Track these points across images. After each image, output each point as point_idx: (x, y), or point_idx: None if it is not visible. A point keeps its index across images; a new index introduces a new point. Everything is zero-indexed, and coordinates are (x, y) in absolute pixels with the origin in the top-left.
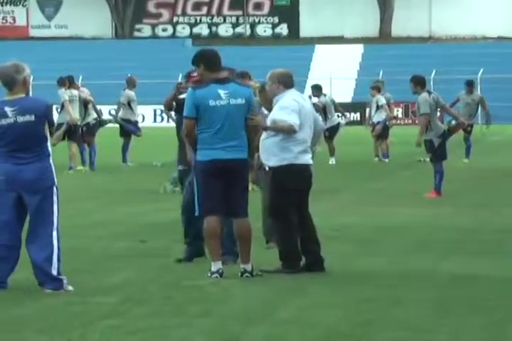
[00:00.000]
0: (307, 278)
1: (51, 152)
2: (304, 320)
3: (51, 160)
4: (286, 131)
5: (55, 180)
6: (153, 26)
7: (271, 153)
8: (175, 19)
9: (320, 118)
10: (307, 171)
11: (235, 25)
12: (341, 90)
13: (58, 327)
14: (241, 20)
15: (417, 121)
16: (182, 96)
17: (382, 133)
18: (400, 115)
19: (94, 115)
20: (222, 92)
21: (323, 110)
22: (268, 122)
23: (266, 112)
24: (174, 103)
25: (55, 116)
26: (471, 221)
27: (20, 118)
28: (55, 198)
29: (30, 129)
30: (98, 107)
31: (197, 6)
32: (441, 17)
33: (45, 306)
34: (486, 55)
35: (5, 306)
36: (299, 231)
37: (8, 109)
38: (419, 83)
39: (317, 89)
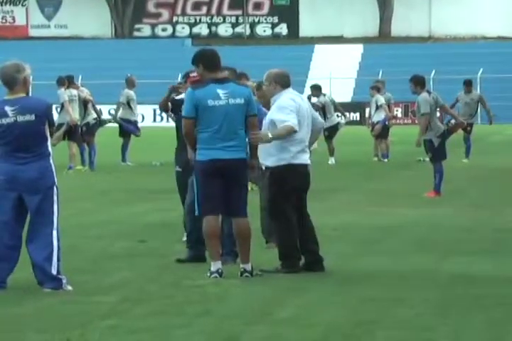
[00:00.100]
0: (307, 277)
1: (51, 152)
2: (303, 320)
3: (51, 160)
4: (289, 134)
5: (56, 179)
6: (153, 26)
7: (268, 153)
8: (174, 19)
9: (319, 116)
10: (305, 171)
11: (234, 25)
12: (341, 90)
13: (58, 327)
14: (240, 20)
15: (416, 121)
16: (179, 97)
17: (381, 133)
18: (399, 115)
19: (94, 115)
20: (221, 92)
21: (322, 110)
22: (266, 122)
23: (265, 110)
24: (170, 104)
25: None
26: (471, 221)
27: (21, 118)
28: (55, 198)
29: (31, 129)
30: (98, 107)
31: (196, 6)
32: (441, 17)
33: (45, 306)
34: (486, 55)
35: (4, 306)
36: (297, 231)
37: (8, 109)
38: (418, 83)
39: (316, 89)
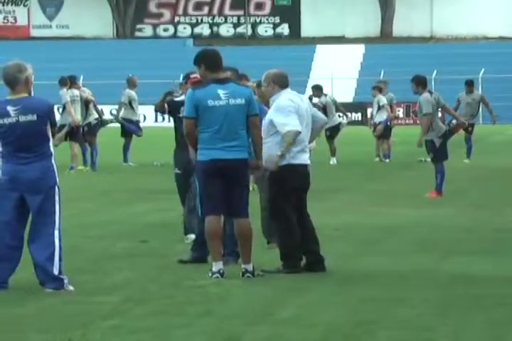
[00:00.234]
0: (308, 277)
1: (53, 152)
2: (304, 320)
3: (53, 160)
4: (295, 140)
5: (57, 179)
6: (155, 26)
7: (269, 154)
8: (176, 19)
9: (319, 112)
10: (305, 171)
11: (236, 25)
12: (342, 90)
13: (59, 327)
14: (242, 20)
15: (418, 121)
16: (178, 98)
17: (383, 134)
18: (401, 115)
19: (96, 115)
20: (221, 92)
21: (323, 110)
22: (266, 122)
23: (266, 109)
24: (167, 106)
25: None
26: (471, 221)
27: (23, 118)
28: (57, 198)
29: (32, 129)
30: (99, 107)
31: (198, 6)
32: (443, 17)
33: (46, 306)
34: (487, 55)
35: (6, 306)
36: (298, 231)
37: (10, 109)
38: (420, 83)
39: (318, 89)
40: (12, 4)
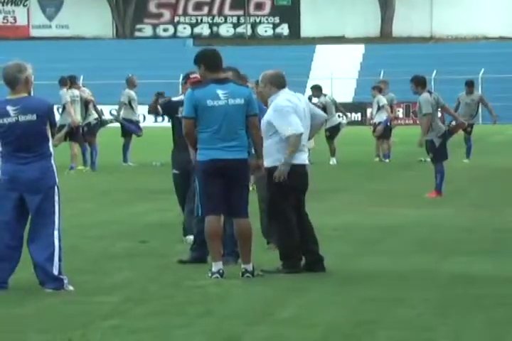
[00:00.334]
0: (307, 277)
1: (53, 152)
2: (304, 320)
3: (53, 160)
4: (298, 143)
5: (57, 179)
6: (154, 26)
7: (267, 154)
8: (176, 19)
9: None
10: (303, 171)
11: (235, 25)
12: (342, 90)
13: (59, 327)
14: (242, 20)
15: (417, 122)
16: (175, 99)
17: (383, 134)
18: (400, 115)
19: (95, 115)
20: (220, 92)
21: (323, 110)
22: (264, 123)
23: (266, 108)
24: (160, 108)
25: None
26: (471, 221)
27: (22, 118)
28: (56, 198)
29: (32, 129)
30: (99, 107)
31: (198, 6)
32: (443, 17)
33: (46, 306)
34: (487, 55)
35: (6, 306)
36: (298, 231)
37: (10, 108)
38: (419, 83)
39: (317, 90)
40: (12, 4)
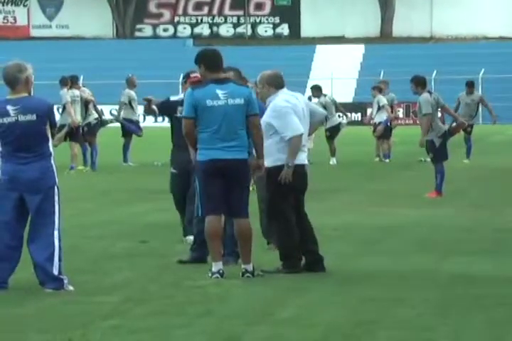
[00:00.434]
0: (307, 278)
1: (53, 152)
2: (304, 320)
3: (53, 160)
4: (300, 144)
5: (57, 180)
6: (155, 26)
7: (268, 153)
8: (176, 19)
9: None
10: (303, 171)
11: (236, 25)
12: (342, 90)
13: (59, 327)
14: (242, 20)
15: (418, 122)
16: (174, 98)
17: (383, 134)
18: (400, 115)
19: (95, 115)
20: (220, 92)
21: None
22: (262, 124)
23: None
24: (156, 108)
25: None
26: (471, 221)
27: (22, 118)
28: (56, 198)
29: (32, 129)
30: (99, 107)
31: (198, 6)
32: (443, 17)
33: (46, 306)
34: (487, 55)
35: (6, 306)
36: (297, 231)
37: (10, 108)
38: (419, 83)
39: (317, 90)
40: (12, 4)
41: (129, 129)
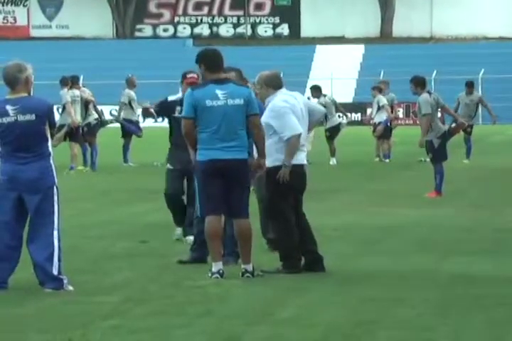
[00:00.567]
0: (307, 278)
1: (52, 152)
2: (304, 320)
3: (52, 160)
4: (298, 144)
5: (56, 180)
6: (154, 26)
7: (267, 154)
8: (176, 19)
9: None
10: (301, 171)
11: (235, 26)
12: (342, 90)
13: (59, 327)
14: (242, 20)
15: (417, 122)
16: (172, 97)
17: (383, 134)
18: (400, 115)
19: (95, 115)
20: (219, 93)
21: None
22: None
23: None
24: (153, 110)
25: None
26: (471, 221)
27: (21, 118)
28: (55, 198)
29: (31, 129)
30: (99, 107)
31: (198, 6)
32: (443, 17)
33: (46, 306)
34: (487, 56)
35: (6, 306)
36: (297, 232)
37: (9, 108)
38: (419, 84)
39: (316, 90)
40: (12, 4)
41: (129, 130)
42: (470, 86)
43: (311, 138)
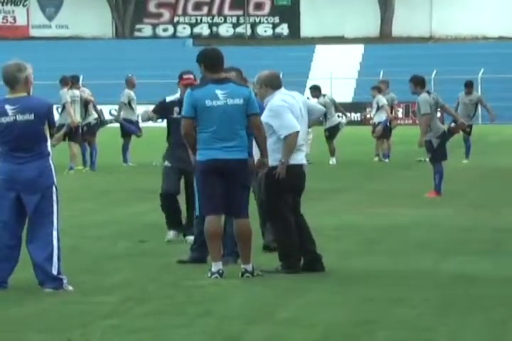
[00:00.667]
0: (307, 277)
1: (51, 152)
2: (304, 320)
3: (51, 160)
4: (295, 142)
5: (55, 179)
6: (154, 26)
7: None
8: (175, 19)
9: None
10: (300, 171)
11: (235, 25)
12: (342, 90)
13: (58, 327)
14: (241, 20)
15: (417, 121)
16: (170, 98)
17: (383, 134)
18: (400, 115)
19: (95, 115)
20: (219, 92)
21: None
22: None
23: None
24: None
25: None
26: (471, 221)
27: (20, 117)
28: (54, 198)
29: (30, 128)
30: (98, 107)
31: (197, 6)
32: (442, 17)
33: (46, 306)
34: (487, 55)
35: (5, 306)
36: (296, 231)
37: (8, 108)
38: (418, 83)
39: (316, 90)
40: (11, 4)
41: (129, 130)
42: (469, 86)
43: (309, 140)
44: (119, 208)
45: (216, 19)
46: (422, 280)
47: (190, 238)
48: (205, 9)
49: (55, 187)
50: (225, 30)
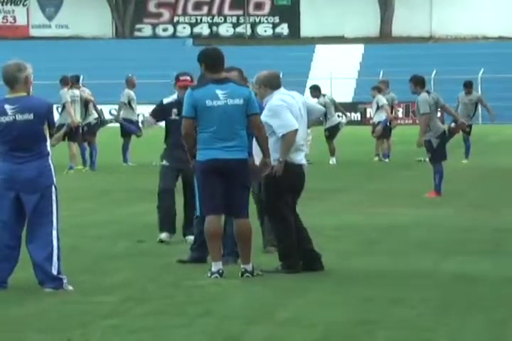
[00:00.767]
0: (307, 277)
1: (50, 151)
2: (304, 320)
3: (50, 160)
4: (293, 140)
5: (54, 179)
6: (154, 26)
7: None
8: (175, 19)
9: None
10: (300, 171)
11: (235, 25)
12: (342, 90)
13: (58, 327)
14: (241, 20)
15: (417, 121)
16: (168, 100)
17: (383, 134)
18: (400, 115)
19: (95, 115)
20: (219, 92)
21: None
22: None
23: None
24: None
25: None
26: (470, 221)
27: (20, 117)
28: (53, 197)
29: (29, 128)
30: (99, 107)
31: (197, 6)
32: (442, 17)
33: (46, 306)
34: (487, 55)
35: (5, 306)
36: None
37: (8, 107)
38: (418, 83)
39: (316, 90)
40: (11, 4)
41: (129, 129)
42: (468, 86)
43: (309, 142)
44: (119, 208)
45: (216, 19)
46: (422, 280)
47: (190, 238)
48: (205, 9)
49: (55, 187)
50: (225, 30)
